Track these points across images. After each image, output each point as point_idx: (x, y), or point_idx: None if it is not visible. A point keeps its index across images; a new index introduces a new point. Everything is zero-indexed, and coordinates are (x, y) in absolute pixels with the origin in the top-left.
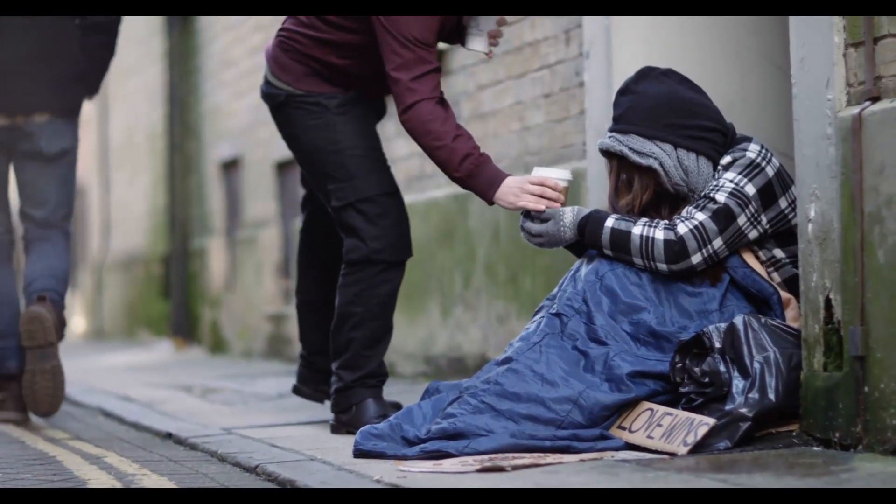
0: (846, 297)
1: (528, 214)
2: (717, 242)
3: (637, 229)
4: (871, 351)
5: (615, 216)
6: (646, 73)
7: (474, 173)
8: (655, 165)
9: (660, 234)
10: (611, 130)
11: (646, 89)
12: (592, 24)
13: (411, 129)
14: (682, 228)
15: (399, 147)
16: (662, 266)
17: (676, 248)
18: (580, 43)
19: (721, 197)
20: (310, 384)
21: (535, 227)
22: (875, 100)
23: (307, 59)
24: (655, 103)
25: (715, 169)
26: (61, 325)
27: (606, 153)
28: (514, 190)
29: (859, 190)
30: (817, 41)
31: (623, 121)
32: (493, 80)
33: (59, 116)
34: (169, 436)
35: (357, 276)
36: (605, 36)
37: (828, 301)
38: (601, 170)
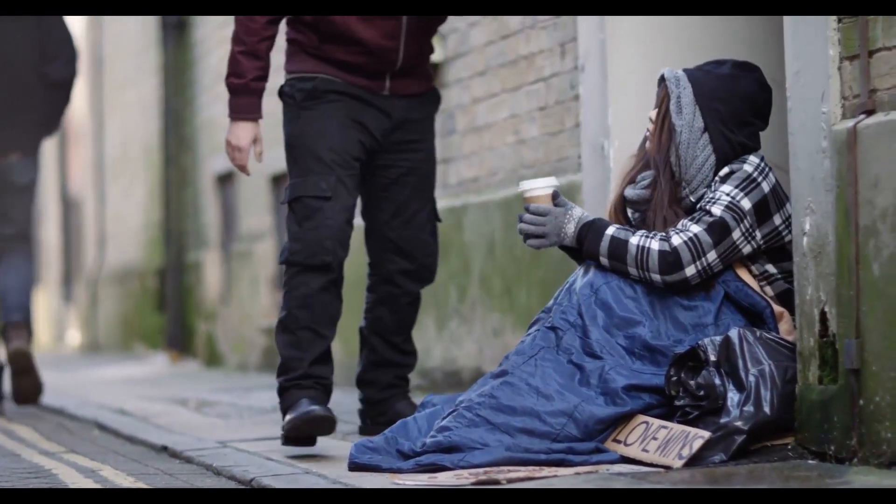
0: (841, 310)
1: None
2: (712, 255)
3: (634, 239)
4: (866, 364)
5: (616, 226)
6: (752, 69)
7: (237, 91)
8: (679, 128)
9: (655, 245)
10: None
11: (733, 74)
12: (588, 38)
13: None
14: (676, 240)
15: None
16: (656, 277)
17: (671, 259)
18: (575, 56)
19: (717, 210)
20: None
21: (534, 228)
22: (870, 113)
23: (291, 34)
24: (726, 87)
25: (714, 175)
26: (31, 335)
27: (662, 80)
28: (240, 136)
29: (854, 203)
30: (812, 54)
31: (694, 73)
32: (489, 93)
33: (28, 155)
34: (164, 449)
35: (285, 279)
36: (600, 49)
37: (823, 314)
38: (596, 183)
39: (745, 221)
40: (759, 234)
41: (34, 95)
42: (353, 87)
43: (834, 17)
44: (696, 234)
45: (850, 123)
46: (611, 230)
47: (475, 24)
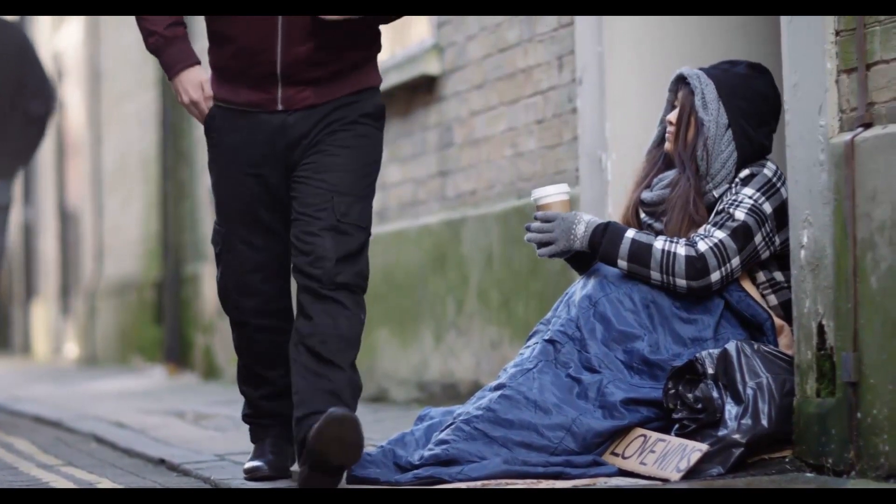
0: (839, 323)
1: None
2: (735, 261)
3: (658, 243)
4: (864, 377)
5: (635, 229)
6: (760, 70)
7: (160, 48)
8: (707, 122)
9: (681, 251)
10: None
11: (747, 74)
12: (585, 51)
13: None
14: (702, 246)
15: (392, 173)
16: (682, 282)
17: (699, 266)
18: (573, 69)
19: (740, 214)
20: None
21: (541, 235)
22: (867, 126)
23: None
24: (744, 84)
25: (735, 173)
26: None
27: (681, 81)
28: (187, 90)
29: (852, 216)
30: (810, 67)
31: (712, 71)
32: (486, 106)
33: (3, 178)
34: (162, 462)
35: None
36: (597, 62)
37: (820, 327)
38: (594, 195)
39: (767, 226)
40: (777, 240)
41: (10, 125)
42: (244, 107)
43: (832, 30)
44: (721, 240)
45: (847, 136)
46: (631, 233)
47: (473, 37)
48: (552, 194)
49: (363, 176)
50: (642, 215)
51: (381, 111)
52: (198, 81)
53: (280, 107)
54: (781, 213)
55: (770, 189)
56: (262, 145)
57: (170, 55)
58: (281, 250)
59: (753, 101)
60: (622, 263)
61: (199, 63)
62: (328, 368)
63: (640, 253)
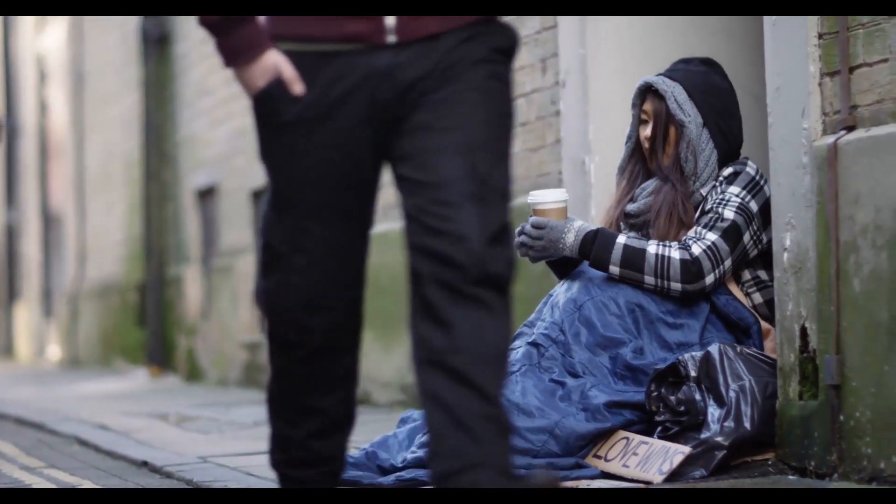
0: (822, 326)
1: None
2: (728, 262)
3: (652, 248)
4: (847, 380)
5: (627, 233)
6: (712, 64)
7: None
8: (687, 123)
9: (676, 254)
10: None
11: (704, 70)
12: (568, 54)
13: None
14: (696, 249)
15: None
16: (677, 286)
17: (694, 270)
18: (556, 72)
19: (729, 213)
20: None
21: (530, 241)
22: (850, 129)
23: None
24: (707, 81)
25: (718, 172)
26: None
27: (648, 91)
28: (255, 82)
29: (835, 219)
30: (793, 70)
31: (674, 74)
32: None
33: None
34: (144, 464)
35: None
36: (581, 65)
37: (803, 330)
38: (577, 198)
39: (754, 224)
40: (765, 238)
41: None
42: (335, 44)
43: (815, 33)
44: (714, 242)
45: (830, 139)
46: (622, 238)
47: None
48: (549, 202)
49: (501, 128)
50: (622, 226)
51: (514, 45)
52: (270, 72)
53: (390, 39)
54: (766, 211)
55: (755, 187)
56: (358, 100)
57: (233, 41)
58: (365, 248)
59: (719, 95)
60: (614, 269)
61: (270, 48)
62: (478, 400)
63: (634, 258)
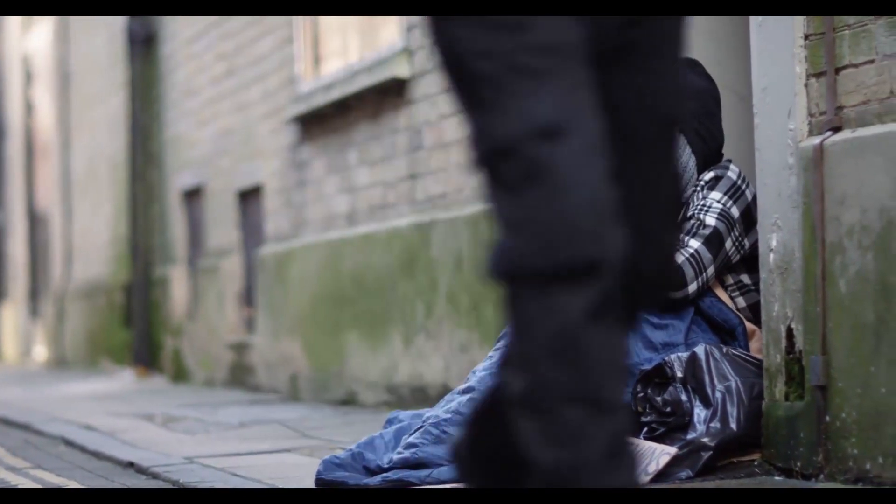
0: (808, 326)
1: None
2: (711, 270)
3: None
4: (833, 381)
5: None
6: (695, 64)
7: None
8: None
9: None
10: None
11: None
12: None
13: None
14: (678, 257)
15: (361, 176)
16: None
17: (677, 278)
18: None
19: (711, 220)
20: None
21: None
22: (837, 130)
23: None
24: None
25: (697, 176)
26: None
27: None
28: None
29: (821, 220)
30: (779, 71)
31: None
32: (456, 110)
33: None
34: (131, 465)
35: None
36: None
37: (789, 331)
38: None
39: (736, 230)
40: (747, 243)
41: None
42: None
43: (801, 34)
44: (696, 250)
45: (816, 140)
46: None
47: None
48: None
49: None
50: None
51: None
52: None
53: None
54: (747, 215)
55: (736, 192)
56: None
57: None
58: None
59: (698, 97)
60: None
61: None
62: None
63: None
